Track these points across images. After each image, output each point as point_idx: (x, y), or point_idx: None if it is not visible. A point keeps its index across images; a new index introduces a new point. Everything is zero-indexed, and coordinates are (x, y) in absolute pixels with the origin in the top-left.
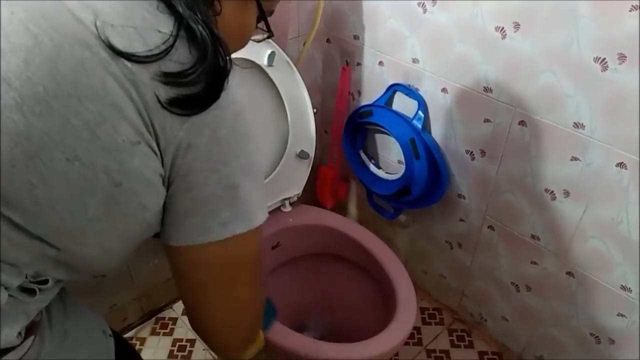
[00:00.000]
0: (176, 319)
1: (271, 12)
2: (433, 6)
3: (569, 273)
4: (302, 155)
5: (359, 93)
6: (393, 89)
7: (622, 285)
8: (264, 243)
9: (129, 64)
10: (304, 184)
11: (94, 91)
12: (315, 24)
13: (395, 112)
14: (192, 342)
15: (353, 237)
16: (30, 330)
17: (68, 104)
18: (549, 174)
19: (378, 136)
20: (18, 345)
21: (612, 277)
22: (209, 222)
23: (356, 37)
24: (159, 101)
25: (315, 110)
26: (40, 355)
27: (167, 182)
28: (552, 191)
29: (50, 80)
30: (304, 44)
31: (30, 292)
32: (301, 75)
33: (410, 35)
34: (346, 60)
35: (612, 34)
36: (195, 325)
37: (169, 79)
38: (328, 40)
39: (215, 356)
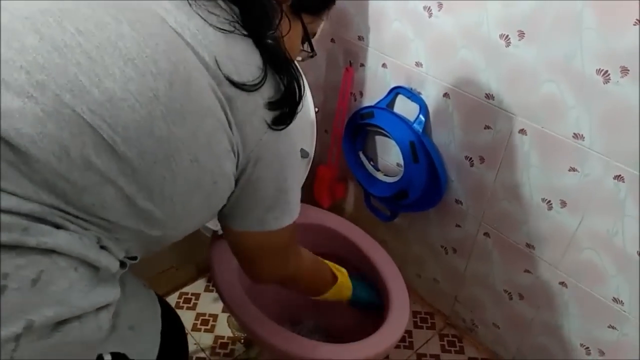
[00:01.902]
0: None
1: (314, 34)
2: (439, 11)
3: (562, 283)
4: (302, 153)
5: (361, 94)
6: (395, 91)
7: (614, 298)
8: None
9: (229, 90)
10: (303, 182)
11: (209, 110)
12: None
13: (397, 115)
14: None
15: (349, 237)
16: None
17: (196, 118)
18: (546, 183)
19: (378, 138)
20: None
21: (605, 289)
22: (265, 216)
23: (360, 38)
24: (266, 122)
25: (316, 109)
26: (117, 306)
27: (236, 184)
28: (549, 201)
29: (186, 99)
30: None
31: (123, 265)
32: (304, 74)
33: (415, 39)
34: (349, 61)
35: (615, 46)
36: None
37: (270, 106)
38: (332, 40)
39: (207, 353)
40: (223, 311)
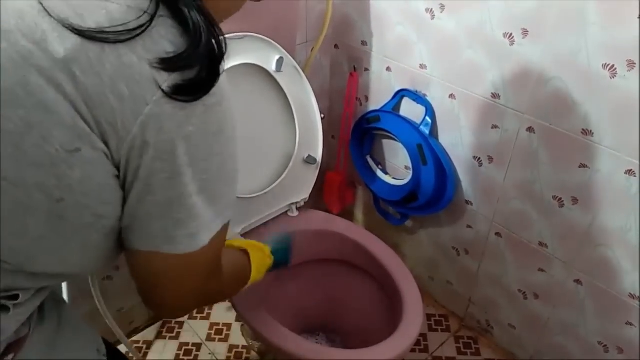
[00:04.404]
0: (182, 322)
1: None
2: (441, 12)
3: (577, 281)
4: (310, 160)
5: (367, 98)
6: (400, 94)
7: (630, 294)
8: None
9: (62, 48)
10: (311, 189)
11: (14, 93)
12: (324, 29)
13: (403, 118)
14: (198, 346)
15: (360, 242)
16: (12, 347)
17: None
18: (557, 181)
19: (385, 142)
20: None
21: (621, 285)
22: (175, 232)
23: (364, 43)
24: (160, 89)
25: (322, 115)
26: None
27: (124, 184)
28: (560, 198)
29: None
30: (312, 49)
31: (4, 308)
32: (309, 81)
33: (418, 41)
34: (354, 66)
35: (621, 40)
36: (142, 296)
37: (166, 64)
38: (336, 46)
39: (219, 358)
40: (237, 320)
